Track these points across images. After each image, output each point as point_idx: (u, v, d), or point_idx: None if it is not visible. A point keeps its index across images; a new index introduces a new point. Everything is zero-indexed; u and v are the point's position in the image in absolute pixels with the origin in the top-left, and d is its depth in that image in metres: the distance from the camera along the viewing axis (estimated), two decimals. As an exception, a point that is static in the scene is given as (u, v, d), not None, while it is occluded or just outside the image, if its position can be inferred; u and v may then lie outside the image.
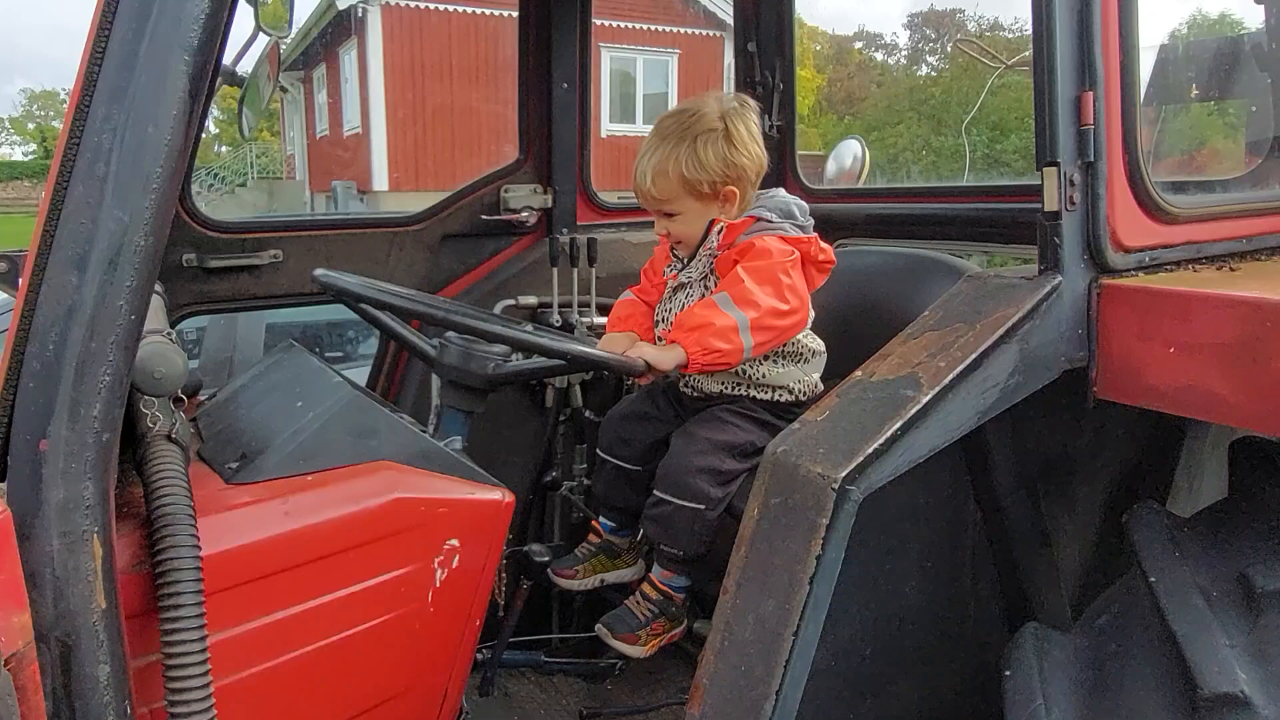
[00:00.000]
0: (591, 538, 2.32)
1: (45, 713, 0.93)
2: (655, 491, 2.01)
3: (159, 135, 0.97)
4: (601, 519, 2.31)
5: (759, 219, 2.01)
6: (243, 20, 2.07)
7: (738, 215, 2.03)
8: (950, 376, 1.30)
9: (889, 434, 1.24)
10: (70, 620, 0.96)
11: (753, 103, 2.05)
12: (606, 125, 19.68)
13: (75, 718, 0.97)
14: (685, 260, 2.10)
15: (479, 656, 2.28)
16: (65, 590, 0.95)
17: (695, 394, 2.12)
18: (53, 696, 0.94)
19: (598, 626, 2.07)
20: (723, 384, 2.07)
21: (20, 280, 0.95)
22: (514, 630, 2.31)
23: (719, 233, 2.02)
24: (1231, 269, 1.54)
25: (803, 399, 2.06)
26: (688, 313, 1.94)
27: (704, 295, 2.02)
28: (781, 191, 2.10)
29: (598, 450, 2.24)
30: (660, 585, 2.07)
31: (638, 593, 2.11)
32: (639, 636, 2.03)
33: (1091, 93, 1.40)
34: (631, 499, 2.20)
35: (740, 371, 2.03)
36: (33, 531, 0.94)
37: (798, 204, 2.08)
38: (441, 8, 19.47)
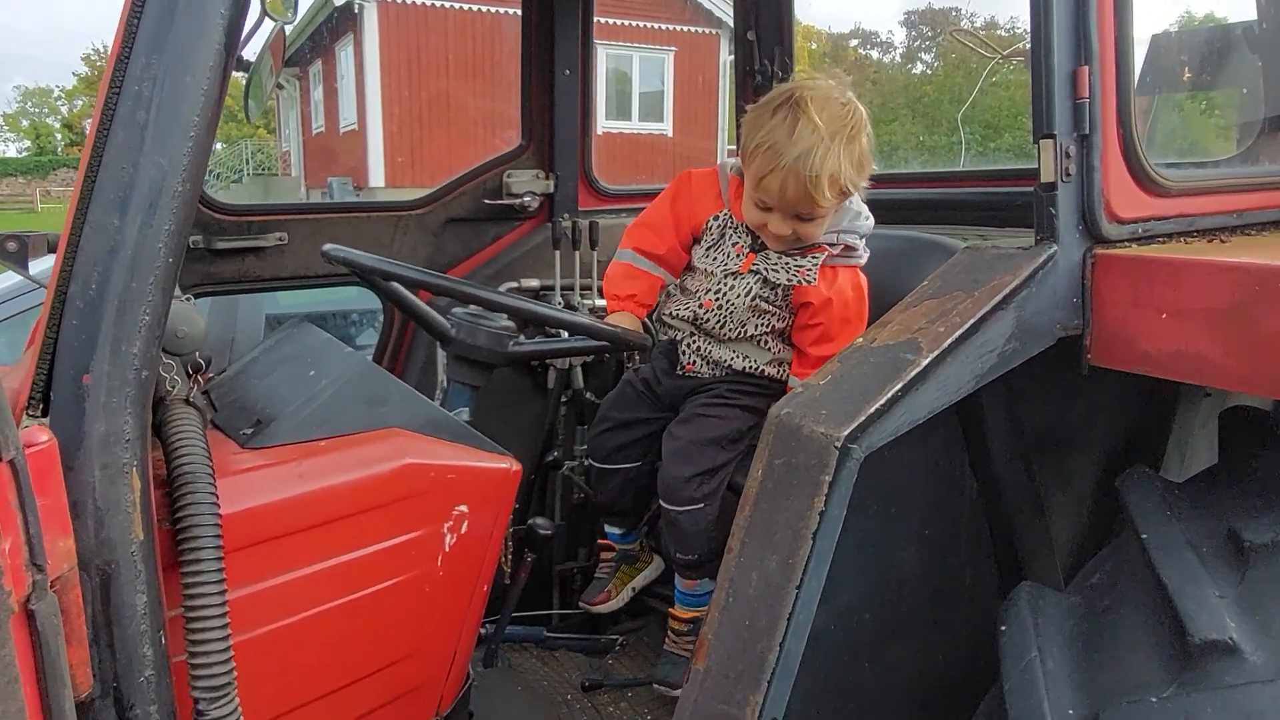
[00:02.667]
0: (605, 555, 2.35)
1: (86, 637, 0.97)
2: (661, 502, 2.05)
3: (196, 84, 1.00)
4: (608, 530, 2.33)
5: (849, 246, 1.94)
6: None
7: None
8: (949, 341, 1.34)
9: (890, 395, 1.28)
10: (110, 549, 0.99)
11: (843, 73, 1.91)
12: (603, 122, 19.72)
13: (114, 642, 1.00)
14: (759, 244, 1.96)
15: (483, 630, 2.32)
16: (106, 520, 0.99)
17: (707, 364, 2.06)
18: (93, 622, 0.98)
19: (656, 687, 2.14)
20: (734, 353, 2.03)
21: (63, 231, 0.98)
22: (517, 605, 2.34)
23: (816, 260, 1.91)
24: (1221, 241, 1.58)
25: None
26: None
27: (776, 302, 1.96)
28: (858, 200, 1.94)
29: (592, 463, 2.24)
30: (684, 616, 2.13)
31: (670, 632, 2.16)
32: None
33: (1087, 67, 1.43)
34: (636, 500, 2.23)
35: (761, 342, 2.02)
36: (76, 462, 0.97)
37: (868, 222, 1.98)
38: (438, 4, 19.48)
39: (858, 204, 1.95)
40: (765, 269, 1.95)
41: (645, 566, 2.36)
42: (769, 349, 2.03)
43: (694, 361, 2.09)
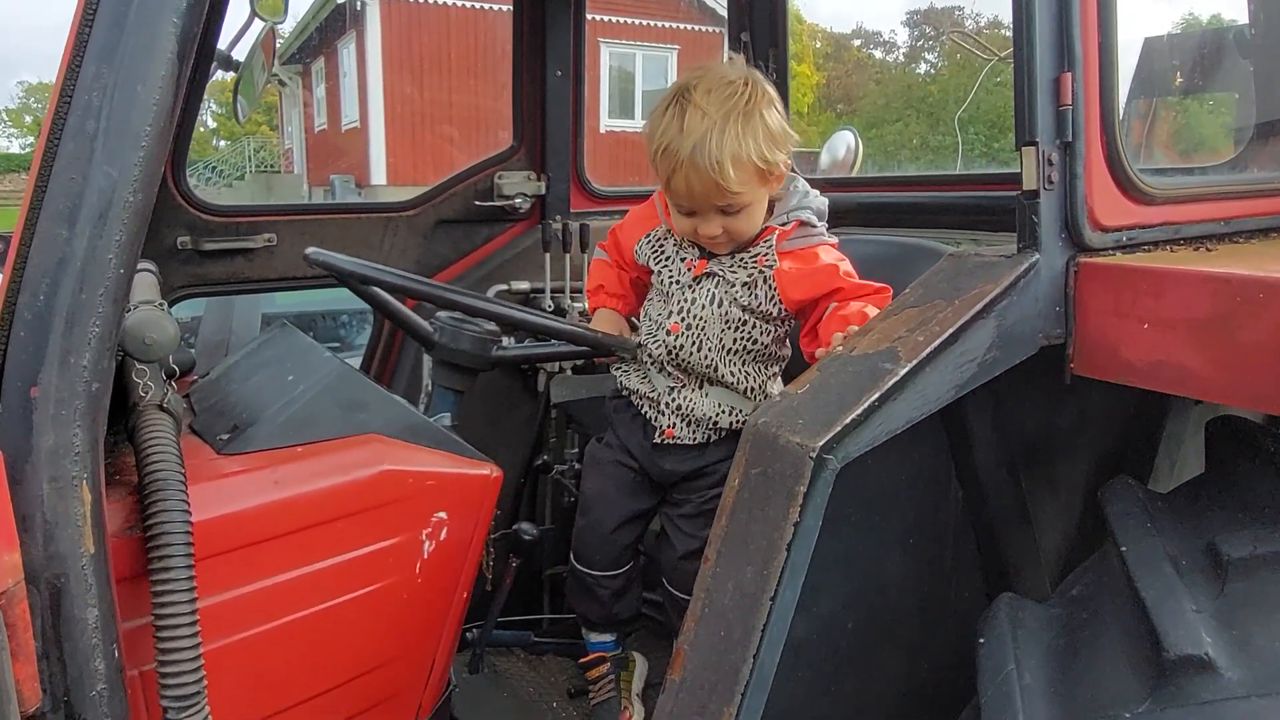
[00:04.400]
0: (595, 673, 2.16)
1: (34, 652, 0.96)
2: (673, 591, 1.96)
3: (148, 95, 1.00)
4: (595, 641, 2.16)
5: (804, 222, 1.82)
6: (240, 5, 2.10)
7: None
8: (928, 350, 1.33)
9: (866, 405, 1.27)
10: (59, 563, 0.99)
11: (741, 57, 1.84)
12: (605, 120, 19.71)
13: (64, 658, 1.00)
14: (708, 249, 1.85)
15: (468, 636, 2.31)
16: (55, 534, 0.98)
17: (689, 425, 1.90)
18: (42, 637, 0.98)
19: None
20: (718, 406, 1.87)
21: (12, 241, 0.98)
22: (504, 610, 2.34)
23: (768, 241, 1.80)
24: (1208, 249, 1.57)
25: None
26: (843, 321, 1.68)
27: (748, 304, 1.81)
28: (802, 182, 1.87)
29: (580, 566, 2.07)
30: None
31: None
32: None
33: (1070, 74, 1.42)
34: (627, 604, 2.10)
35: (744, 384, 1.87)
36: (23, 475, 0.97)
37: (821, 200, 1.88)
38: (440, 1, 19.48)
39: (803, 185, 1.86)
40: (722, 270, 1.83)
41: (634, 666, 2.25)
42: (752, 396, 1.87)
43: (674, 425, 1.91)
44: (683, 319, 1.86)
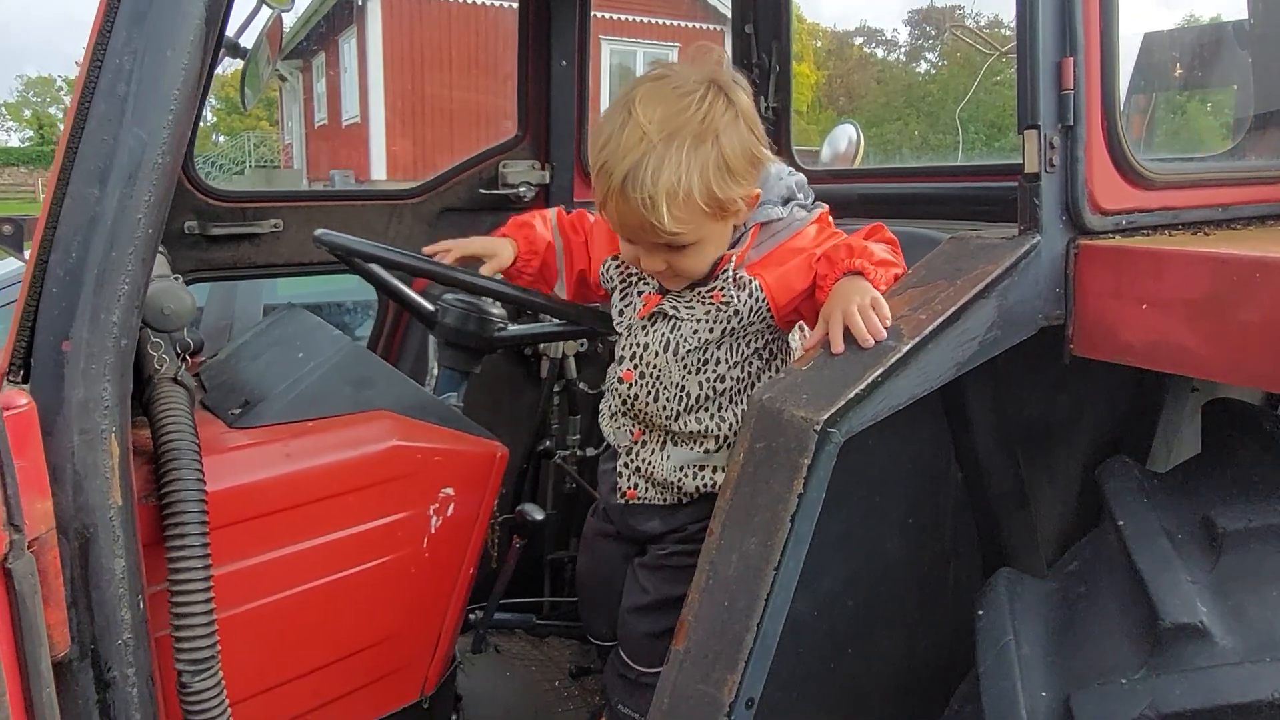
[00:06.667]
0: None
1: (64, 599, 0.99)
2: (622, 653, 1.77)
3: (177, 58, 1.03)
4: None
5: (763, 224, 1.57)
6: (246, -4, 2.12)
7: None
8: (930, 328, 1.35)
9: (870, 380, 1.29)
10: (89, 514, 1.01)
11: (718, 48, 1.53)
12: (606, 118, 19.70)
13: (91, 605, 1.03)
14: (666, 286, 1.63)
15: (471, 617, 2.34)
16: (84, 485, 1.01)
17: (653, 487, 1.70)
18: (71, 584, 1.01)
19: None
20: (682, 469, 1.67)
21: (44, 201, 1.01)
22: (506, 593, 2.36)
23: (725, 273, 1.55)
24: (1205, 234, 1.59)
25: None
26: (827, 260, 1.48)
27: (709, 335, 1.59)
28: (770, 167, 1.58)
29: (597, 641, 1.97)
30: None
31: None
32: None
33: (1072, 58, 1.44)
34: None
35: (727, 440, 1.63)
36: (55, 427, 1.00)
37: (793, 179, 1.63)
38: (442, -3, 19.49)
39: (775, 168, 1.59)
40: (676, 309, 1.60)
41: None
42: (724, 457, 1.63)
43: (635, 485, 1.72)
44: (635, 365, 1.65)
